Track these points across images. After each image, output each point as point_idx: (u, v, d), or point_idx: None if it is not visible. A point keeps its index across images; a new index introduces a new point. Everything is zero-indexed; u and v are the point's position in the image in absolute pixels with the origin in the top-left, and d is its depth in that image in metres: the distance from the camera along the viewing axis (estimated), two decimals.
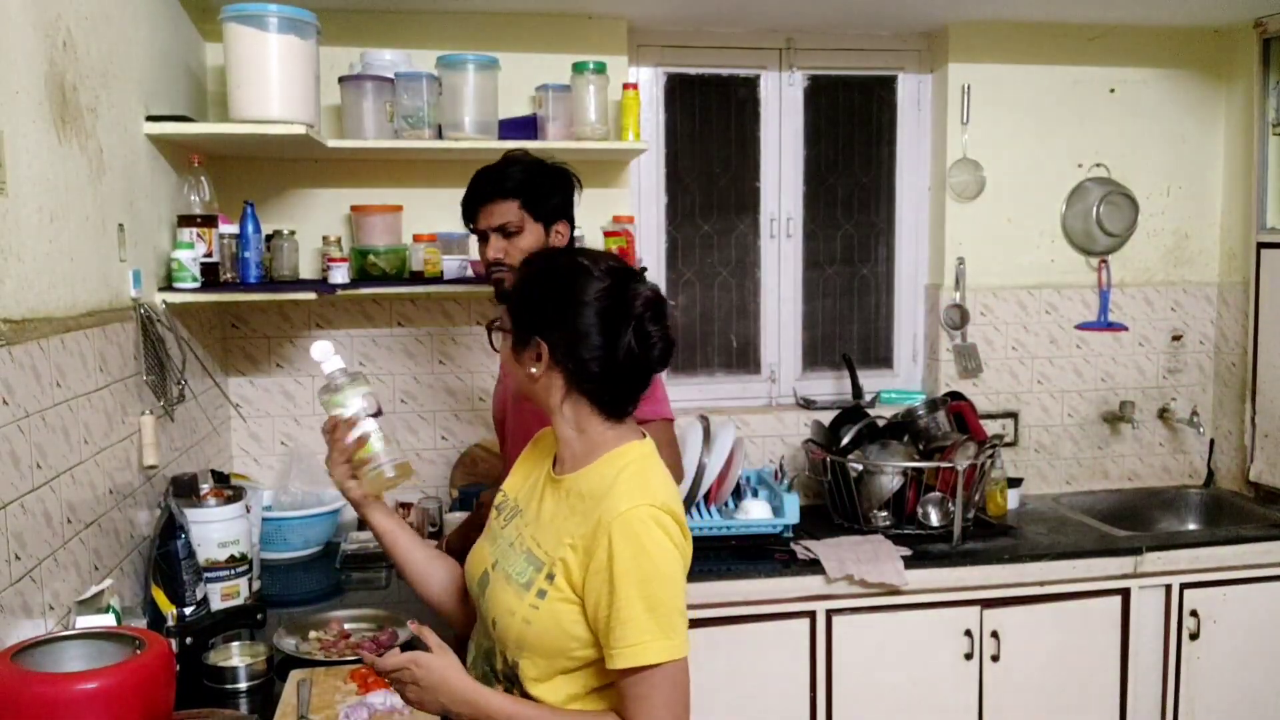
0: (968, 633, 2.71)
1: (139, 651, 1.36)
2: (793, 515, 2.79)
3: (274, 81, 2.24)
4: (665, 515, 1.36)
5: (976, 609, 2.71)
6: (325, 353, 1.65)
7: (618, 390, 1.44)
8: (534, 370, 1.44)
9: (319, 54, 2.36)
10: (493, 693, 1.41)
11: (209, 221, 2.38)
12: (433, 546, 1.75)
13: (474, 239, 2.94)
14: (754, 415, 3.24)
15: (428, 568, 1.67)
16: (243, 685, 1.91)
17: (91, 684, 1.28)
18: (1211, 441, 3.45)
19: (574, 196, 2.17)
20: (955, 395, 3.16)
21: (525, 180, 2.09)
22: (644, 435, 1.49)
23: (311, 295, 2.57)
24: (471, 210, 2.12)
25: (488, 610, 1.48)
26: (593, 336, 1.40)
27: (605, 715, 1.38)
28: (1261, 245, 3.21)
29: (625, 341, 1.40)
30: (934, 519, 2.86)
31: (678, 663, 1.33)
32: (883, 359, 3.45)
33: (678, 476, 1.93)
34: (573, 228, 2.19)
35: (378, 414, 1.65)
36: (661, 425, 2.05)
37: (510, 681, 1.45)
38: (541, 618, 1.38)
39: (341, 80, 2.68)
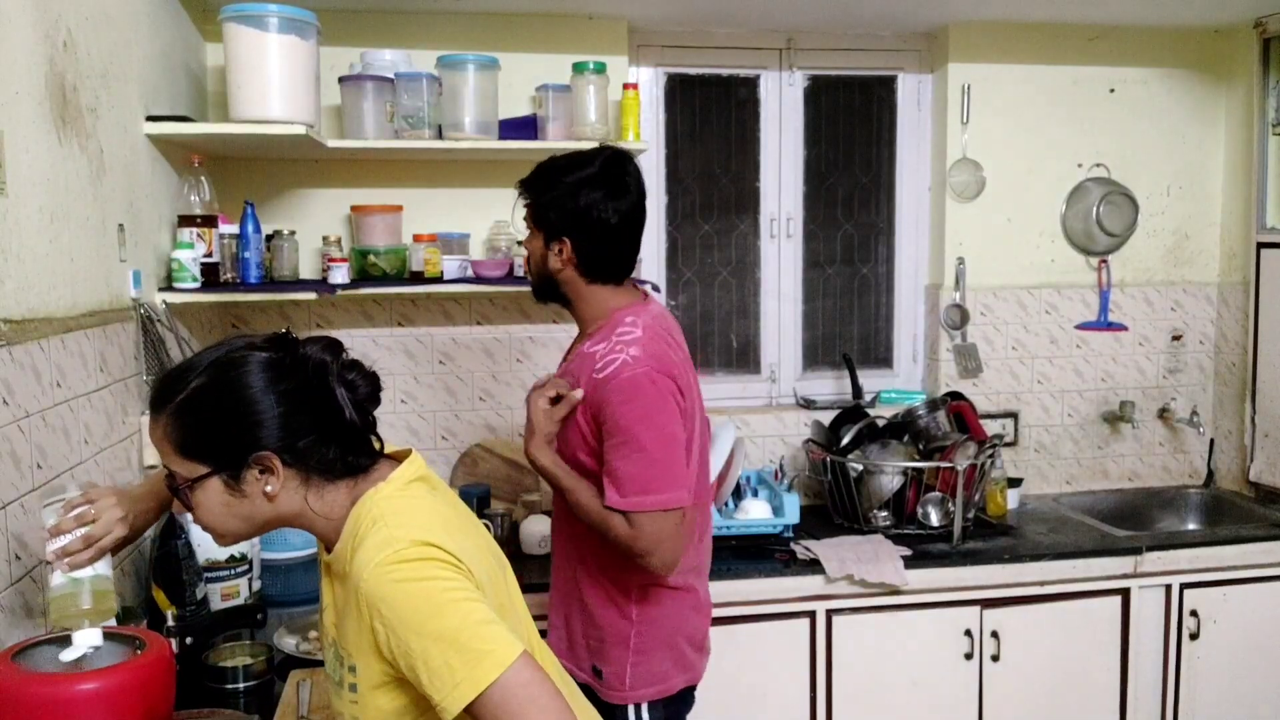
0: (968, 633, 2.71)
1: (139, 652, 1.36)
2: (793, 515, 2.79)
3: (274, 81, 2.24)
4: (407, 553, 1.21)
5: (976, 609, 2.72)
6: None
7: (348, 454, 1.30)
8: (269, 489, 1.25)
9: (319, 54, 2.36)
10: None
11: (209, 221, 2.38)
12: None
13: (474, 239, 2.95)
14: (754, 415, 3.25)
15: None
16: (243, 685, 1.91)
17: (92, 684, 1.28)
18: (1211, 441, 3.45)
19: (593, 213, 1.90)
20: (955, 395, 3.16)
21: (540, 186, 1.94)
22: (385, 476, 1.33)
23: (312, 295, 2.58)
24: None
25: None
26: (300, 422, 1.25)
27: None
28: (1261, 245, 3.21)
29: (338, 406, 1.27)
30: (934, 519, 2.86)
31: (506, 673, 1.18)
32: (883, 359, 3.45)
33: (643, 560, 1.80)
34: (586, 247, 1.92)
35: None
36: (631, 516, 1.78)
37: None
38: (364, 712, 1.28)
39: (341, 80, 2.68)
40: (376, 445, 1.36)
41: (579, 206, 1.85)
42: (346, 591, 1.26)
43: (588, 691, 1.80)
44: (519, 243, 2.03)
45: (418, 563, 1.21)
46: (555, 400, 1.86)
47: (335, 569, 1.31)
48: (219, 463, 1.24)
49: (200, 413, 1.24)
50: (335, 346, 1.32)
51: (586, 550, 1.91)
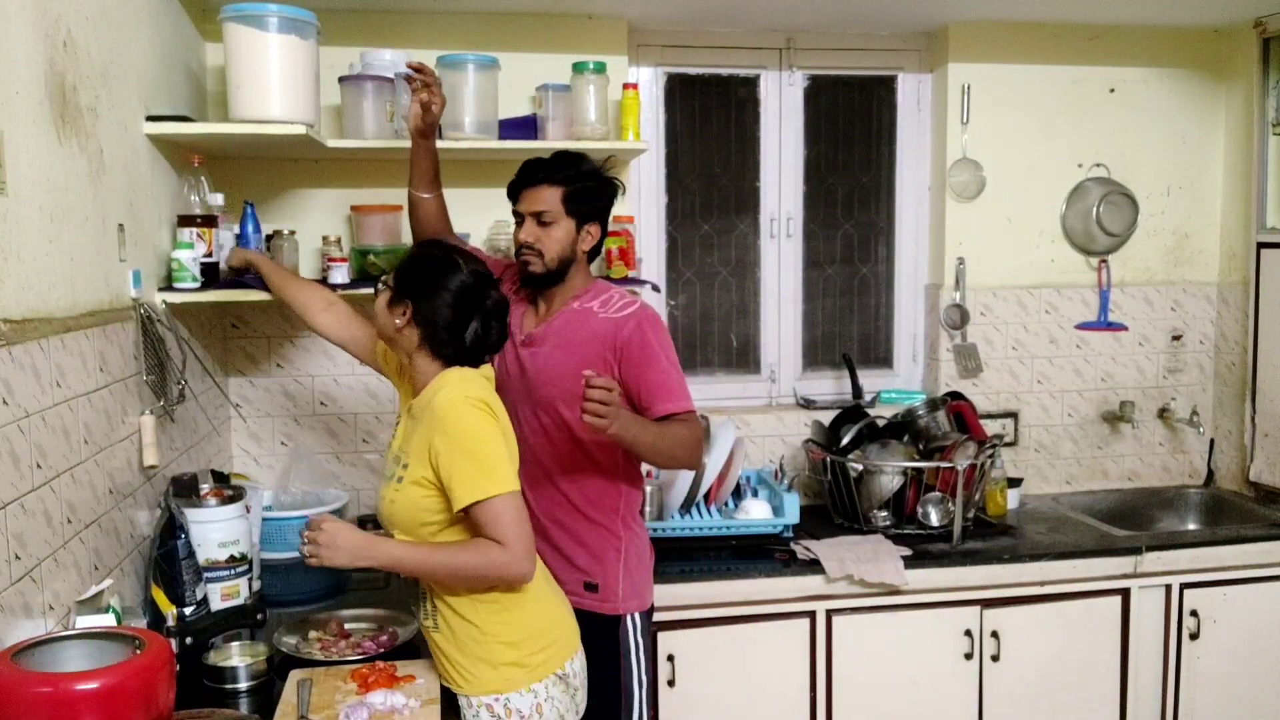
0: (967, 633, 2.71)
1: (139, 651, 1.36)
2: (793, 515, 2.79)
3: (274, 81, 2.24)
4: (472, 399, 1.81)
5: (976, 609, 2.72)
6: None
7: (455, 353, 1.87)
8: (398, 322, 1.86)
9: (319, 54, 2.36)
10: (385, 539, 1.86)
11: (209, 221, 2.38)
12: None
13: (474, 239, 2.95)
14: (754, 415, 3.24)
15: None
16: (243, 685, 1.91)
17: (92, 684, 1.28)
18: (1211, 441, 3.45)
19: (612, 204, 2.26)
20: (955, 395, 3.16)
21: (573, 175, 2.16)
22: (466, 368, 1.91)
23: None
24: (516, 191, 2.20)
25: (377, 506, 1.96)
26: (445, 313, 1.85)
27: (472, 540, 1.79)
28: (1261, 245, 3.21)
29: (473, 326, 1.86)
30: (934, 519, 2.86)
31: (508, 494, 1.76)
32: (882, 359, 3.45)
33: (696, 464, 2.36)
34: (604, 233, 2.26)
35: None
36: (684, 420, 2.12)
37: None
38: (400, 497, 1.84)
39: (341, 80, 2.67)
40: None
41: (607, 200, 2.21)
42: (419, 422, 1.84)
43: (580, 615, 2.06)
44: (541, 221, 2.17)
45: (477, 408, 1.81)
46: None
47: (415, 411, 1.88)
48: (395, 287, 1.90)
49: (416, 260, 1.93)
50: (501, 305, 1.92)
51: (573, 480, 2.16)
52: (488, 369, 1.96)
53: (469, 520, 1.80)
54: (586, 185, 2.17)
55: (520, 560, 1.77)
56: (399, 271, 1.91)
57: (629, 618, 2.18)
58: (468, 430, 1.78)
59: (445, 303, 1.85)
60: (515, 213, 2.22)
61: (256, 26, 2.21)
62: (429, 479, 1.80)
